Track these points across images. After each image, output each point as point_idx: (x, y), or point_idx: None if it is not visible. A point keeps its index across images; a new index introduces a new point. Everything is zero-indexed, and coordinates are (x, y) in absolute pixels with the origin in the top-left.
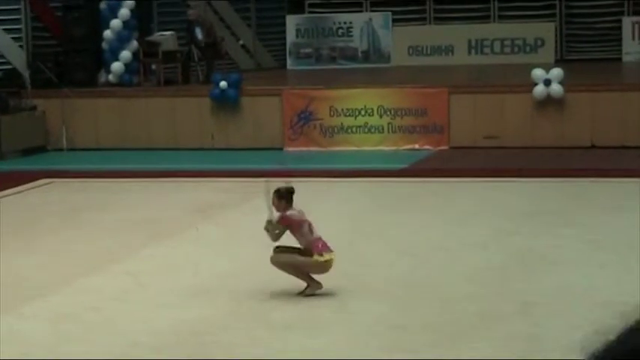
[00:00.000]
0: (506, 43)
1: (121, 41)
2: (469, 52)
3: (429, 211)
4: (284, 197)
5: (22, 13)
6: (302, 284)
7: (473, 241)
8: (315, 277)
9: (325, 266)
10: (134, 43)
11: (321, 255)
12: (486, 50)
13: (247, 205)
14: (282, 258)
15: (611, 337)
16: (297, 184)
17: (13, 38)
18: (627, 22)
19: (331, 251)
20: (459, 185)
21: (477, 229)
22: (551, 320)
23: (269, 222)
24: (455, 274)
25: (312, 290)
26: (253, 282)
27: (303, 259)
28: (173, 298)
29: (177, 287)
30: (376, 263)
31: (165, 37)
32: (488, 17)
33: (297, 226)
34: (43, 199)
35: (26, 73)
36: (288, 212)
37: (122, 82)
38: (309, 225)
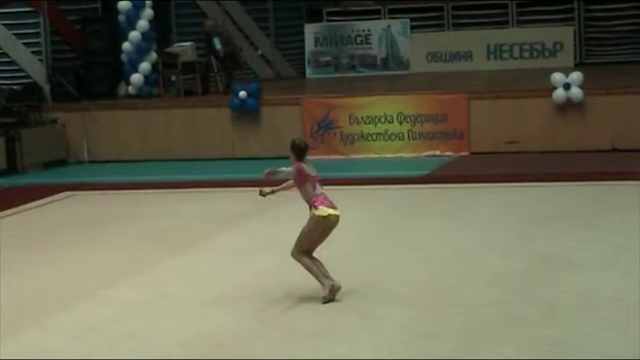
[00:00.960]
0: (525, 47)
1: (140, 53)
2: (488, 58)
3: (451, 216)
4: (297, 149)
5: (41, 27)
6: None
7: (495, 246)
8: (332, 276)
9: (327, 222)
10: (153, 55)
11: (317, 209)
12: (505, 55)
13: (268, 214)
14: (296, 244)
15: None
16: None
17: (32, 52)
18: None
19: (334, 207)
20: (481, 191)
21: (500, 234)
22: (576, 324)
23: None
24: (478, 279)
25: (329, 294)
26: (276, 291)
27: (307, 228)
28: (197, 309)
29: (201, 297)
30: (400, 269)
31: (184, 48)
32: (506, 22)
33: (303, 178)
34: (65, 211)
35: (46, 87)
36: (298, 164)
37: (142, 94)
38: (314, 182)
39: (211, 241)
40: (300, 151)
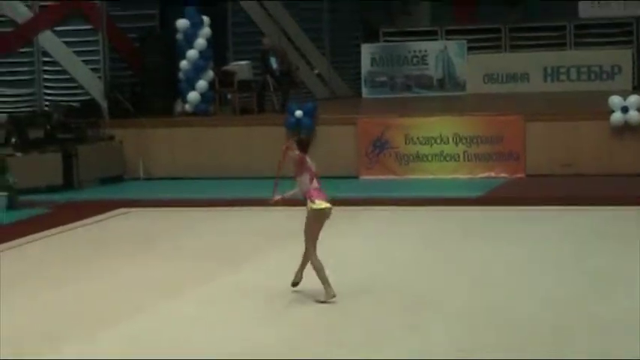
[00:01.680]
0: (583, 70)
1: (197, 71)
2: (545, 80)
3: (506, 238)
4: (302, 144)
5: (100, 45)
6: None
7: (549, 266)
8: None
9: (323, 214)
10: (210, 73)
11: (314, 202)
12: (562, 77)
13: (321, 233)
14: (305, 241)
15: None
16: (372, 212)
17: (91, 69)
18: None
19: (327, 201)
20: (536, 213)
21: (554, 255)
22: (629, 342)
23: None
24: (531, 298)
25: (327, 297)
26: (325, 306)
27: (307, 223)
28: (247, 323)
29: (251, 312)
30: (452, 289)
31: (241, 67)
32: (564, 44)
33: (303, 169)
34: (120, 227)
35: (104, 104)
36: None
37: (198, 112)
38: (312, 176)
39: (262, 258)
40: (304, 145)
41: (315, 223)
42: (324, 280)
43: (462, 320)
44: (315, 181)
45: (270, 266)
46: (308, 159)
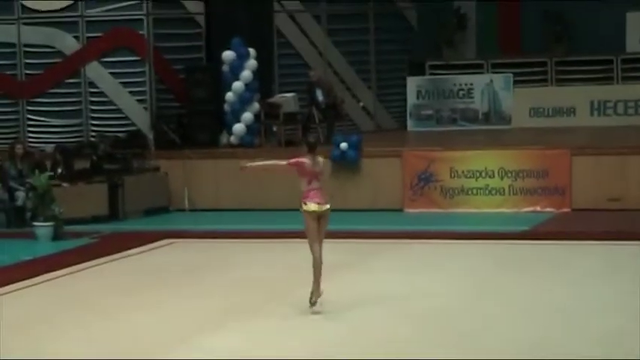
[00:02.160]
0: (630, 104)
1: (243, 103)
2: (591, 114)
3: (551, 273)
4: (310, 145)
5: (147, 76)
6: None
7: (595, 303)
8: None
9: (314, 214)
10: (255, 105)
11: (306, 204)
12: (609, 112)
13: (365, 266)
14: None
15: None
16: (417, 245)
17: (137, 100)
18: None
19: (319, 203)
20: (582, 248)
21: (600, 291)
22: None
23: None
24: (577, 336)
25: (312, 300)
26: (373, 343)
27: (304, 224)
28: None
29: (297, 348)
30: (497, 324)
31: (286, 99)
32: (611, 78)
33: (301, 172)
34: (164, 258)
35: (150, 135)
36: (303, 159)
37: (243, 144)
38: (312, 177)
39: (307, 292)
40: (310, 146)
41: (309, 222)
42: (316, 278)
43: (506, 356)
44: (314, 182)
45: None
46: (307, 160)
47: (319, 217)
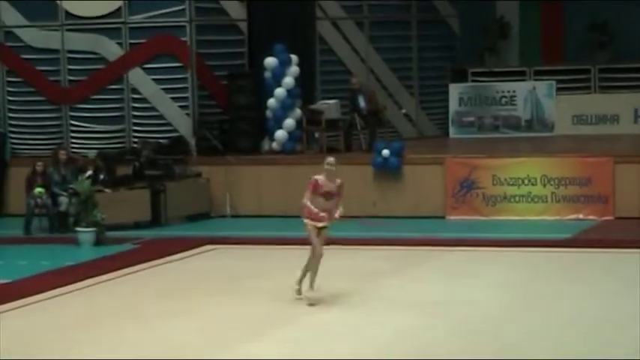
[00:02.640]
0: None
1: (285, 109)
2: (635, 121)
3: (594, 281)
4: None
5: (189, 82)
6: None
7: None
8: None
9: (311, 228)
10: (297, 112)
11: (304, 219)
12: None
13: (407, 274)
14: None
15: None
16: (459, 252)
17: (180, 106)
18: None
19: (315, 221)
20: (625, 256)
21: None
22: None
23: None
24: (621, 346)
25: (295, 293)
26: (414, 350)
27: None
28: None
29: (338, 355)
30: (540, 334)
31: (329, 106)
32: None
33: (313, 190)
34: (206, 264)
35: (192, 141)
36: (318, 177)
37: (285, 150)
38: (323, 195)
39: (349, 299)
40: (327, 167)
41: (312, 234)
42: (302, 275)
43: None
44: (322, 200)
45: (357, 307)
46: (319, 178)
47: (315, 229)
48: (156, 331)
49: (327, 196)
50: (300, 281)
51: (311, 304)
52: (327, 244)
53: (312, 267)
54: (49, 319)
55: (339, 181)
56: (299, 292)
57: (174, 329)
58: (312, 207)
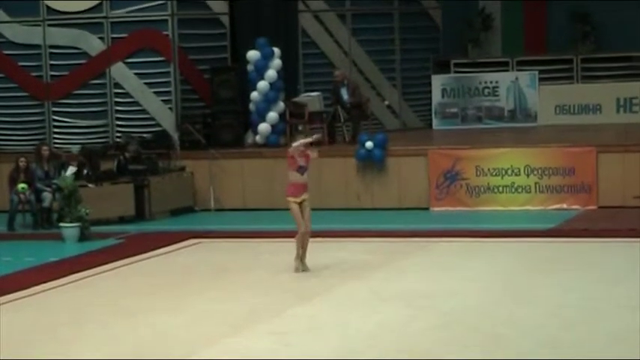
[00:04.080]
0: None
1: (268, 102)
2: (617, 111)
3: (578, 271)
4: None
5: (172, 76)
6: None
7: (624, 302)
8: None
9: (294, 204)
10: (280, 104)
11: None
12: (635, 109)
13: (392, 265)
14: None
15: None
16: (444, 244)
17: (162, 101)
18: None
19: (295, 195)
20: (609, 245)
21: (628, 290)
22: None
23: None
24: (606, 335)
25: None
26: (400, 342)
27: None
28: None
29: (324, 348)
30: (525, 324)
31: (312, 98)
32: (637, 75)
33: (290, 164)
34: (190, 259)
35: (175, 135)
36: (295, 151)
37: (269, 143)
38: (298, 170)
39: (335, 292)
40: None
41: (294, 209)
42: (297, 251)
43: (532, 356)
44: (295, 173)
45: (342, 299)
46: (294, 149)
47: (299, 205)
48: (142, 326)
49: (302, 170)
50: (298, 258)
51: (298, 271)
52: (311, 236)
53: (301, 244)
54: (34, 315)
55: (304, 155)
56: (297, 268)
57: (161, 325)
58: (290, 180)
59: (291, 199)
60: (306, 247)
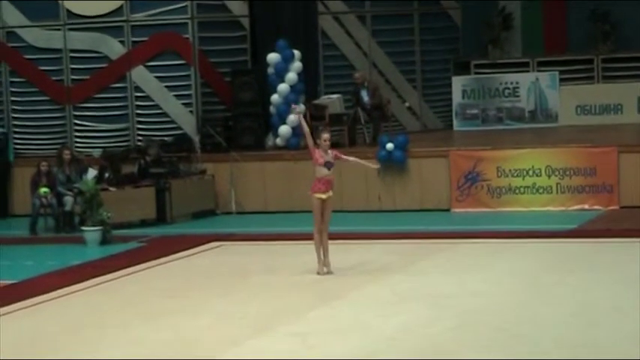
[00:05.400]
0: None
1: (289, 105)
2: (638, 111)
3: (600, 271)
4: (318, 138)
5: (192, 80)
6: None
7: None
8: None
9: (319, 201)
10: (301, 107)
11: (312, 193)
12: None
13: (414, 266)
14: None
15: None
16: (465, 245)
17: (183, 104)
18: None
19: (321, 192)
20: (631, 245)
21: None
22: None
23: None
24: (627, 336)
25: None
26: (422, 343)
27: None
28: None
29: (346, 349)
30: (547, 324)
31: (332, 100)
32: None
33: (315, 161)
34: (212, 261)
35: (196, 138)
36: (317, 151)
37: (289, 146)
38: (325, 165)
39: (357, 293)
40: (319, 138)
41: (316, 208)
42: (317, 257)
43: (554, 356)
44: (323, 169)
45: (363, 301)
46: (319, 151)
47: (322, 204)
48: (164, 329)
49: (329, 165)
50: (320, 261)
51: (321, 273)
52: (332, 238)
53: (320, 246)
54: (57, 319)
55: (331, 151)
56: (319, 271)
57: (183, 327)
58: (317, 176)
59: (316, 194)
60: (327, 248)
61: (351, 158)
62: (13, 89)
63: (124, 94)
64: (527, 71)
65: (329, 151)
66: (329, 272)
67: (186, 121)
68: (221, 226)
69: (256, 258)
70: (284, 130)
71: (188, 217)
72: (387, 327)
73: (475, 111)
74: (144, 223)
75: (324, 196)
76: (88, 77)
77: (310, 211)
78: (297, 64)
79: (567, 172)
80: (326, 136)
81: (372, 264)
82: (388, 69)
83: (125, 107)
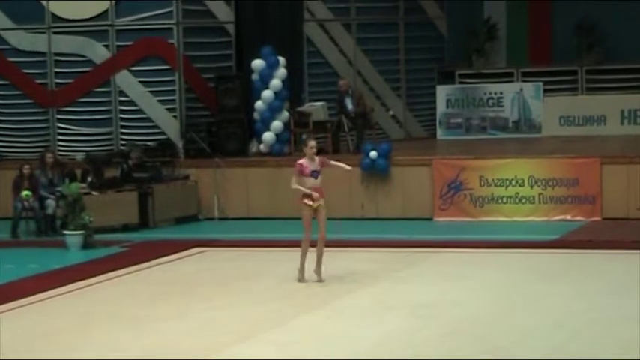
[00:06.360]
0: None
1: (272, 111)
2: (622, 122)
3: (583, 282)
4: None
5: (177, 85)
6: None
7: (628, 313)
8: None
9: (308, 209)
10: (285, 114)
11: (302, 201)
12: (639, 120)
13: (396, 275)
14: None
15: None
16: (447, 254)
17: (167, 109)
18: None
19: (312, 200)
20: (613, 257)
21: (633, 301)
22: None
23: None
24: (611, 346)
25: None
26: (404, 351)
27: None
28: None
29: (328, 357)
30: (530, 335)
31: (316, 108)
32: None
33: (300, 173)
34: (195, 267)
35: (180, 143)
36: (301, 161)
37: (273, 152)
38: (311, 175)
39: (339, 301)
40: (307, 149)
41: (307, 215)
42: (301, 264)
43: None
44: (311, 179)
45: (346, 309)
46: (305, 162)
47: (313, 212)
48: (146, 334)
49: (315, 174)
50: (302, 268)
51: (302, 281)
52: (312, 246)
53: (317, 252)
54: (37, 323)
55: (318, 158)
56: (300, 279)
57: (165, 332)
58: (303, 189)
59: (306, 202)
60: (321, 256)
61: (334, 162)
62: None
63: (108, 98)
64: (512, 81)
65: (315, 159)
66: (320, 280)
67: (170, 126)
68: (204, 232)
69: (239, 264)
70: (268, 136)
71: (171, 222)
72: (370, 335)
73: (459, 120)
74: (126, 228)
75: (314, 205)
76: (72, 81)
77: (293, 218)
78: (281, 71)
79: (550, 183)
80: (312, 143)
81: (355, 272)
82: (373, 77)
83: (109, 111)
